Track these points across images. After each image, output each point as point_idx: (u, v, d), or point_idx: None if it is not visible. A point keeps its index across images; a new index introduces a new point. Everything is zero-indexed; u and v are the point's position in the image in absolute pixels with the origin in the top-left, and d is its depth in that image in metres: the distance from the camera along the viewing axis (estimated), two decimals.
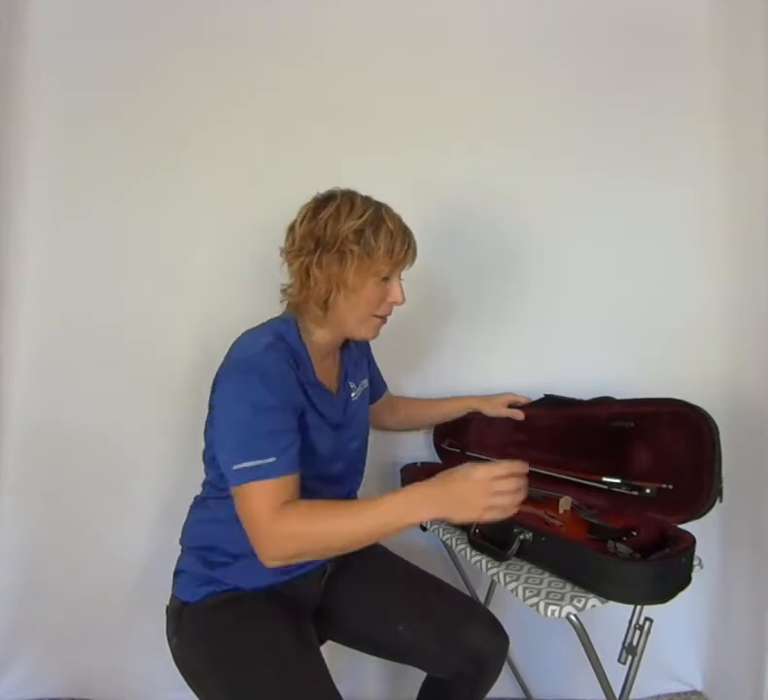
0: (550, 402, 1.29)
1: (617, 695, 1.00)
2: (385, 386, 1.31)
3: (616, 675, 0.99)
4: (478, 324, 1.44)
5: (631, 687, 0.99)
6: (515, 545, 1.00)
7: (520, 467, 0.81)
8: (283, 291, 1.01)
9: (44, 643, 1.42)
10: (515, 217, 1.42)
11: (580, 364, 1.42)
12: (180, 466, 1.37)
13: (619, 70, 1.42)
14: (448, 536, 1.16)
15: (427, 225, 1.38)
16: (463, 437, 1.39)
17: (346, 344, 1.11)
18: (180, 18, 1.35)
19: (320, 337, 1.02)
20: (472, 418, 1.37)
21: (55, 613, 1.41)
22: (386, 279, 0.98)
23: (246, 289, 1.36)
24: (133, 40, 1.35)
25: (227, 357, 0.96)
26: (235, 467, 0.84)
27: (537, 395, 1.31)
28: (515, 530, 1.01)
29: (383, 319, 1.02)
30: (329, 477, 1.03)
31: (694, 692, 1.52)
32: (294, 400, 0.92)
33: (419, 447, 1.46)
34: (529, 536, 1.00)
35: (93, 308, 1.37)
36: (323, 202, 0.97)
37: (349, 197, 0.96)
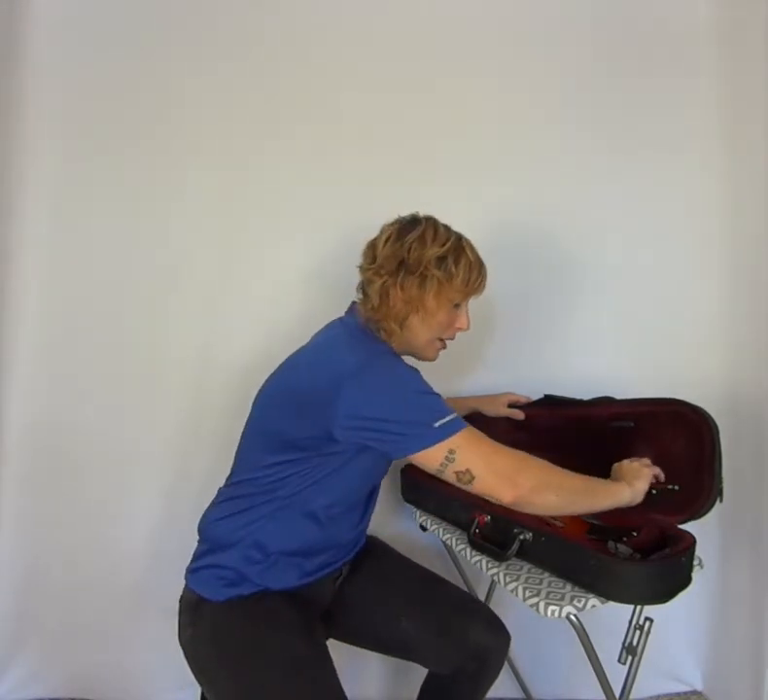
0: (550, 401, 1.29)
1: (617, 695, 1.00)
2: None
3: (616, 675, 0.99)
4: (478, 324, 1.44)
5: (631, 687, 0.99)
6: (515, 545, 1.00)
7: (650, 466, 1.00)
8: (355, 304, 1.05)
9: (44, 643, 1.42)
10: (515, 217, 1.42)
11: (580, 364, 1.42)
12: (181, 464, 1.38)
13: (619, 70, 1.42)
14: (448, 536, 1.16)
15: None
16: None
17: None
18: (181, 19, 1.35)
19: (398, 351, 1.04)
20: (472, 418, 1.37)
21: (55, 613, 1.41)
22: (458, 306, 1.02)
23: (247, 288, 1.36)
24: (134, 40, 1.35)
25: (350, 369, 0.90)
26: (437, 424, 0.87)
27: (537, 395, 1.31)
28: (515, 530, 1.02)
29: (445, 343, 1.06)
30: (368, 489, 1.08)
31: (694, 692, 1.52)
32: None
33: None
34: (529, 536, 1.00)
35: (94, 308, 1.37)
36: (409, 226, 1.00)
37: (433, 224, 1.00)
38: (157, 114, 1.36)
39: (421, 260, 0.97)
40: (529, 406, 1.30)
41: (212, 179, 1.36)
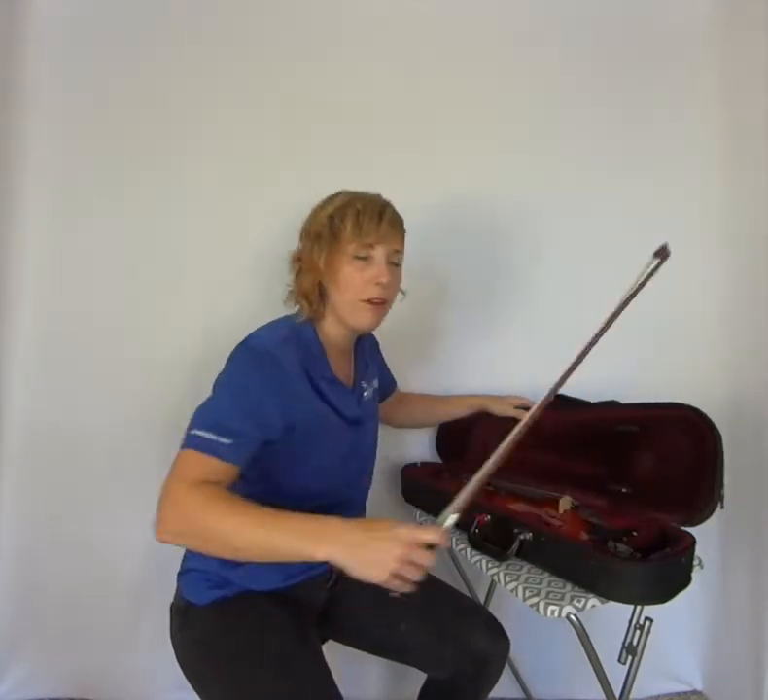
0: (559, 403, 1.29)
1: (617, 695, 1.00)
2: (395, 383, 1.32)
3: (616, 675, 0.99)
4: (481, 325, 1.44)
5: (631, 687, 0.99)
6: (515, 545, 1.00)
7: (444, 536, 0.73)
8: (289, 293, 1.03)
9: (44, 643, 1.42)
10: (518, 218, 1.42)
11: (580, 366, 1.42)
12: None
13: (619, 69, 1.42)
14: None
15: (434, 223, 1.40)
16: (467, 438, 1.39)
17: (358, 343, 1.11)
18: (181, 19, 1.35)
19: (333, 333, 1.02)
20: (477, 420, 1.37)
21: (55, 613, 1.41)
22: (363, 259, 0.96)
23: (248, 289, 1.36)
24: (133, 41, 1.35)
25: (242, 342, 0.94)
26: (193, 431, 0.84)
27: (537, 395, 1.31)
28: (515, 530, 1.02)
29: (378, 304, 0.98)
30: (346, 473, 1.04)
31: (694, 692, 1.52)
32: (283, 408, 0.89)
33: (420, 447, 1.46)
34: (529, 536, 1.00)
35: (94, 308, 1.37)
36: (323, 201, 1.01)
37: (339, 192, 1.00)
38: (158, 114, 1.36)
39: (315, 224, 0.98)
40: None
41: (212, 178, 1.36)
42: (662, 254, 0.87)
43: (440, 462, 1.43)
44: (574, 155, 1.42)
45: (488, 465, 0.79)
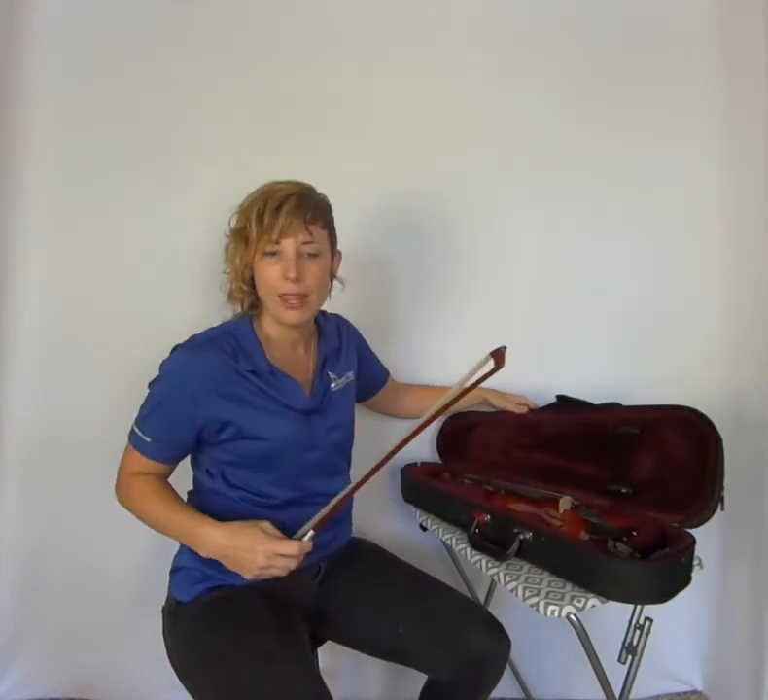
0: (560, 404, 1.29)
1: (617, 695, 1.00)
2: (387, 374, 1.31)
3: (616, 675, 0.99)
4: (481, 328, 1.44)
5: (631, 687, 0.99)
6: (515, 545, 1.00)
7: (301, 548, 0.85)
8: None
9: (44, 643, 1.42)
10: (516, 217, 1.42)
11: (580, 365, 1.42)
12: (182, 464, 1.37)
13: (619, 68, 1.41)
14: (448, 536, 1.17)
15: (426, 223, 1.40)
16: (467, 438, 1.39)
17: (321, 334, 1.11)
18: (180, 19, 1.35)
19: (273, 327, 1.03)
20: (478, 421, 1.37)
21: (55, 613, 1.41)
22: (272, 255, 0.95)
23: None
24: (133, 41, 1.35)
25: (178, 345, 1.01)
26: (133, 426, 0.99)
27: (537, 397, 1.32)
28: (515, 530, 1.02)
29: (292, 299, 0.95)
30: (308, 466, 1.03)
31: (694, 692, 1.52)
32: (202, 412, 0.95)
33: (420, 447, 1.46)
34: (529, 536, 1.00)
35: (93, 308, 1.37)
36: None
37: (265, 185, 0.98)
38: (158, 114, 1.36)
39: (235, 221, 0.99)
40: (537, 411, 1.31)
41: (213, 179, 1.36)
42: (497, 357, 0.97)
43: (440, 462, 1.43)
44: (573, 155, 1.41)
45: (347, 489, 0.91)
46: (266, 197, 0.95)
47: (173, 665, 0.96)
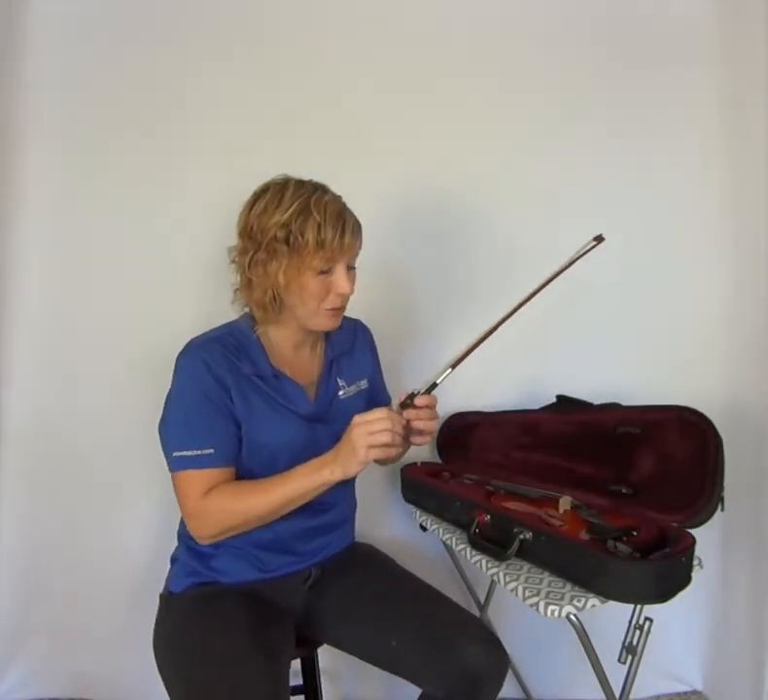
0: (560, 404, 1.29)
1: (617, 695, 1.00)
2: (388, 401, 1.21)
3: (616, 675, 0.99)
4: (478, 326, 1.44)
5: (631, 687, 0.99)
6: (515, 545, 1.00)
7: (388, 410, 0.87)
8: (235, 292, 1.01)
9: (44, 643, 1.42)
10: (516, 217, 1.42)
11: (580, 365, 1.42)
12: None
13: (619, 69, 1.41)
14: (448, 536, 1.17)
15: (427, 224, 1.40)
16: (468, 439, 1.39)
17: (329, 340, 1.08)
18: (180, 19, 1.35)
19: (281, 331, 1.01)
20: (478, 421, 1.37)
21: (55, 613, 1.41)
22: (326, 272, 0.93)
23: None
24: (133, 41, 1.35)
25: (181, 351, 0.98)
26: (175, 454, 0.91)
27: (537, 397, 1.32)
28: (515, 530, 1.01)
29: (337, 310, 0.97)
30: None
31: (694, 692, 1.52)
32: (232, 391, 0.94)
33: (420, 447, 1.45)
34: (529, 535, 1.00)
35: (94, 308, 1.37)
36: (258, 195, 0.94)
37: (281, 187, 0.92)
38: (158, 113, 1.36)
39: (266, 232, 0.90)
40: (538, 411, 1.30)
41: (213, 178, 1.36)
42: (599, 239, 1.03)
43: (440, 462, 1.43)
44: (572, 154, 1.41)
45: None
46: (321, 211, 0.89)
47: (154, 655, 0.97)
